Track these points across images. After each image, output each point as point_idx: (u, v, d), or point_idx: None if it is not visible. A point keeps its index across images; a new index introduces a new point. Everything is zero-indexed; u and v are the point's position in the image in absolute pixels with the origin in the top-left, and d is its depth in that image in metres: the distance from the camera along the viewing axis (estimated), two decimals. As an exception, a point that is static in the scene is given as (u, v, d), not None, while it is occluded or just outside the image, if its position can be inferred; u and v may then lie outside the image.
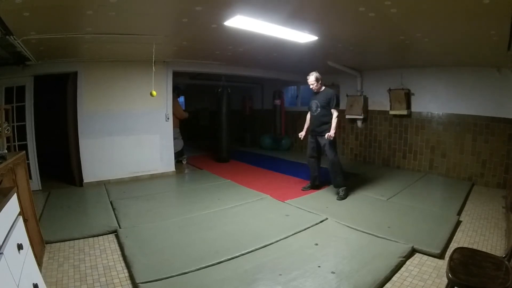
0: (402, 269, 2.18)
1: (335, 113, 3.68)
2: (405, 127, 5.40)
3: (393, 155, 5.60)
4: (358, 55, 4.49)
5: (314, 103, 3.83)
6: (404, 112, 5.21)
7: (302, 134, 4.02)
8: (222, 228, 2.86)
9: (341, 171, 3.78)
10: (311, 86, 3.82)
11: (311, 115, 3.95)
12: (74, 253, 2.41)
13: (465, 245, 2.41)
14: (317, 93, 3.84)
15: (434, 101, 4.98)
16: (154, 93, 3.85)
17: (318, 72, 3.81)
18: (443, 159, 4.92)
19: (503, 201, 3.57)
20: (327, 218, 3.08)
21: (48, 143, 4.98)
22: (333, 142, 3.74)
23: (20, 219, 1.48)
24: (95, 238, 2.69)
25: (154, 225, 2.94)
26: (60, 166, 5.33)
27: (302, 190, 4.11)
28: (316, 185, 4.15)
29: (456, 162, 4.77)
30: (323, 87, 3.85)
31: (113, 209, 3.35)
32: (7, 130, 3.23)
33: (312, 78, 3.76)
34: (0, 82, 3.87)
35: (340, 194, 3.71)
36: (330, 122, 3.69)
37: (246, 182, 4.56)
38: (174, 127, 5.40)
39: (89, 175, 4.44)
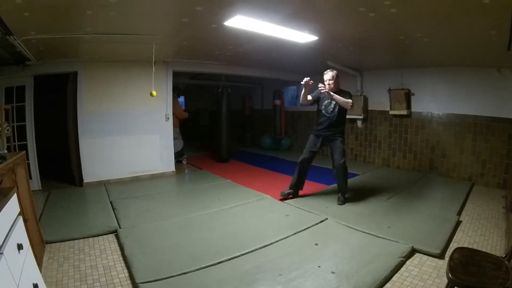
0: (402, 269, 2.18)
1: (350, 101, 3.35)
2: (405, 127, 5.40)
3: (393, 155, 5.60)
4: (358, 55, 4.50)
5: (333, 103, 3.42)
6: (404, 112, 5.21)
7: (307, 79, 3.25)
8: (222, 228, 2.86)
9: (347, 177, 3.62)
10: (329, 83, 3.38)
11: (322, 116, 3.54)
12: (74, 253, 2.41)
13: (465, 245, 2.41)
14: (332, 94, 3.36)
15: (434, 101, 4.98)
16: (154, 93, 3.85)
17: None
18: (443, 159, 4.92)
19: (503, 201, 3.57)
20: (327, 218, 3.08)
21: (48, 143, 4.98)
22: (343, 147, 3.55)
23: (20, 219, 1.48)
24: (95, 238, 2.69)
25: (154, 225, 2.94)
26: (60, 166, 5.33)
27: (280, 195, 3.73)
28: (297, 192, 3.79)
29: (456, 162, 4.76)
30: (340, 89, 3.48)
31: (113, 209, 3.35)
32: (7, 130, 3.23)
33: (329, 75, 3.39)
34: (0, 82, 3.87)
35: (341, 198, 3.55)
36: (341, 128, 3.55)
37: (246, 182, 4.56)
38: (174, 127, 5.40)
39: (89, 175, 4.44)
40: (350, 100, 3.37)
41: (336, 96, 3.31)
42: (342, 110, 3.48)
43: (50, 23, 2.54)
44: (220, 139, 6.19)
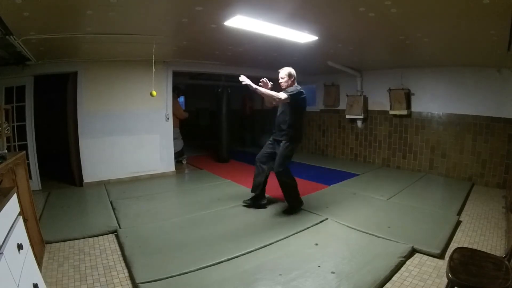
0: (402, 269, 2.18)
1: (282, 94, 3.00)
2: (405, 127, 5.40)
3: (393, 155, 5.60)
4: (358, 55, 4.49)
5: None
6: (404, 112, 5.21)
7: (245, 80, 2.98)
8: (222, 228, 2.86)
9: (292, 189, 3.32)
10: (280, 81, 3.21)
11: (275, 115, 3.39)
12: (74, 253, 2.41)
13: (465, 245, 2.41)
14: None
15: (434, 101, 4.98)
16: (154, 93, 3.84)
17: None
18: (443, 159, 4.92)
19: (503, 201, 3.58)
20: (327, 218, 3.08)
21: (48, 143, 4.98)
22: (287, 153, 3.20)
23: (20, 219, 1.48)
24: (95, 238, 2.69)
25: (154, 225, 2.94)
26: (61, 166, 5.33)
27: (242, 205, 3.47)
28: (258, 202, 3.45)
29: (456, 162, 4.77)
30: (295, 85, 3.21)
31: (113, 209, 3.35)
32: (7, 130, 3.23)
33: (283, 73, 3.18)
34: (0, 82, 3.87)
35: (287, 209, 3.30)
36: (287, 129, 3.16)
37: (246, 182, 4.55)
38: (174, 127, 5.40)
39: (89, 175, 4.44)
40: (274, 94, 2.99)
41: (260, 89, 3.00)
42: (286, 110, 3.15)
43: (50, 23, 2.54)
44: (220, 139, 6.19)
